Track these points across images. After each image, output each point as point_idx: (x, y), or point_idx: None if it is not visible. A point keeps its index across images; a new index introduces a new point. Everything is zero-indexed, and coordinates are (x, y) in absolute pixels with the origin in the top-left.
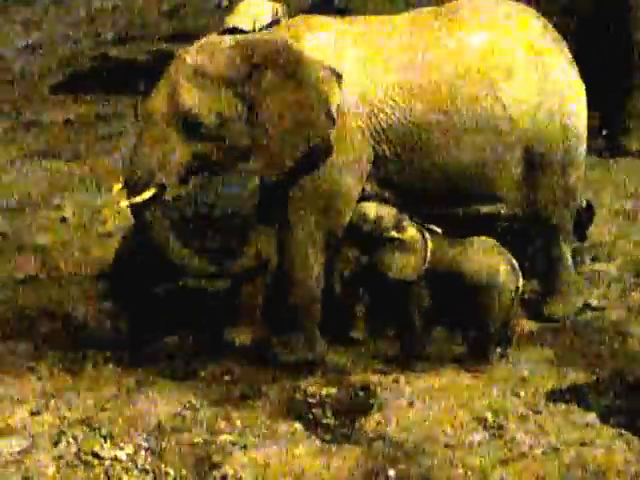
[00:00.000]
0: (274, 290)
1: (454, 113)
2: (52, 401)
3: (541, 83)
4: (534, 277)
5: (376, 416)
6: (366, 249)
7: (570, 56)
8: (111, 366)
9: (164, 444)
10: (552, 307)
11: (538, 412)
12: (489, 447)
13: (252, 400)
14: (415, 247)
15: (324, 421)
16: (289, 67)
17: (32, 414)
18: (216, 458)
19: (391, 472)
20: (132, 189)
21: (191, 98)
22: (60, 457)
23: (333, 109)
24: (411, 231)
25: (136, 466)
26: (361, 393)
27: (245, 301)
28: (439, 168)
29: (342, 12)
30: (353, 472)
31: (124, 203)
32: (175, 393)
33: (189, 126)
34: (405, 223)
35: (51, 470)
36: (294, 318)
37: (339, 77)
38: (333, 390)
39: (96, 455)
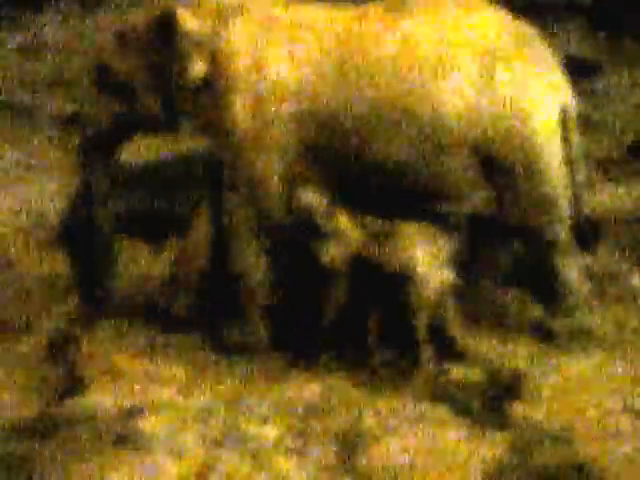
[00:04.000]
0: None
1: (382, 105)
2: (200, 379)
3: (484, 83)
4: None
5: (525, 402)
6: (301, 236)
7: (538, 54)
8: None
9: (311, 426)
10: (552, 325)
11: None
12: (639, 436)
13: (398, 384)
14: (342, 237)
15: (471, 406)
16: (172, 38)
17: (180, 392)
18: (362, 442)
19: (540, 459)
20: None
21: (110, 57)
22: (207, 436)
23: (195, 81)
24: (341, 220)
25: (282, 447)
26: (509, 379)
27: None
28: (370, 160)
29: None
30: (499, 459)
31: None
32: (322, 375)
33: (108, 83)
34: (338, 212)
35: (198, 449)
36: (236, 303)
37: (203, 50)
38: (481, 375)
39: (242, 434)
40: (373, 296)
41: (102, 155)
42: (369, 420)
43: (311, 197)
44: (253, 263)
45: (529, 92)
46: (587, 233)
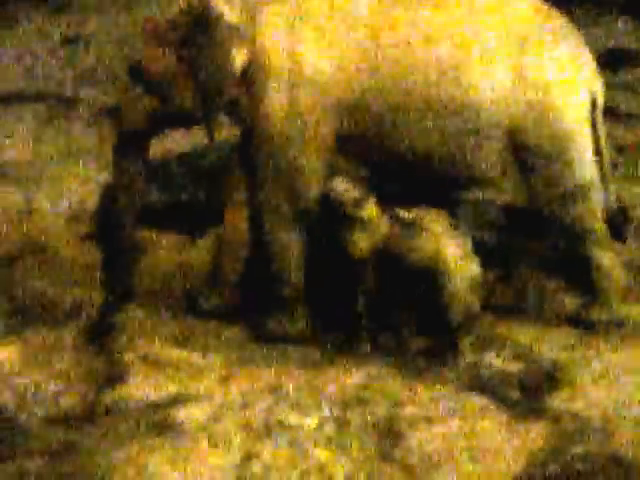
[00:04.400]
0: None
1: (415, 93)
2: (239, 369)
3: (518, 70)
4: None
5: (563, 392)
6: (331, 225)
7: (570, 44)
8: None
9: (349, 415)
10: (590, 314)
11: None
12: None
13: (438, 373)
14: (368, 226)
15: (510, 396)
16: (209, 29)
17: (220, 381)
18: (401, 430)
19: (578, 450)
20: None
21: (146, 56)
22: (247, 425)
23: (236, 71)
24: (369, 210)
25: (321, 436)
26: (548, 369)
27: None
28: (403, 149)
29: None
30: (539, 449)
31: None
32: (361, 364)
33: (143, 80)
34: (366, 202)
35: (238, 438)
36: (276, 292)
37: (244, 38)
38: (520, 365)
39: (282, 424)
40: (402, 287)
41: (135, 148)
42: (408, 409)
43: (343, 187)
44: (290, 252)
45: (561, 78)
46: (616, 222)
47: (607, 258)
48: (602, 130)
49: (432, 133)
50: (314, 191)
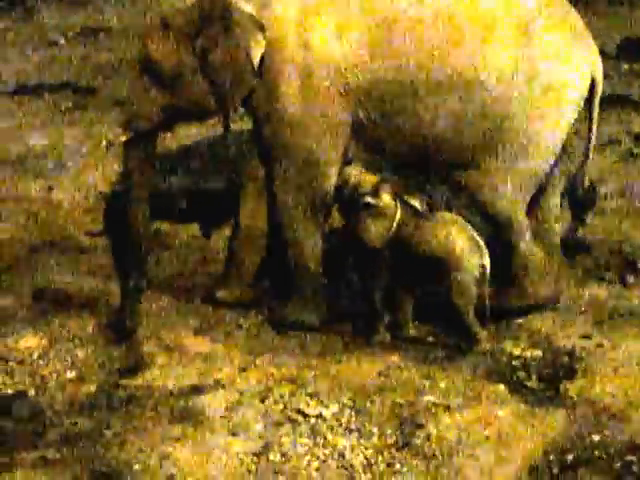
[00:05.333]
0: (272, 253)
1: (425, 76)
2: (259, 358)
3: (522, 51)
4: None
5: (580, 380)
6: (346, 214)
7: (571, 28)
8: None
9: (369, 403)
10: (504, 299)
11: None
12: None
13: (456, 361)
14: (385, 215)
15: (528, 384)
16: (224, 20)
17: (239, 371)
18: (420, 419)
19: (596, 437)
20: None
21: (155, 48)
22: (266, 414)
23: (255, 60)
24: (385, 199)
25: (340, 425)
26: (566, 357)
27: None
28: (413, 132)
29: None
30: (557, 436)
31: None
32: (380, 353)
33: (154, 75)
34: (382, 190)
35: (258, 426)
36: (295, 281)
37: (261, 28)
38: (538, 353)
39: (302, 413)
40: (415, 275)
41: (145, 142)
42: (427, 398)
43: (359, 175)
44: (308, 241)
45: (565, 63)
46: (586, 201)
47: (526, 245)
48: (596, 113)
49: (442, 114)
50: (331, 179)
